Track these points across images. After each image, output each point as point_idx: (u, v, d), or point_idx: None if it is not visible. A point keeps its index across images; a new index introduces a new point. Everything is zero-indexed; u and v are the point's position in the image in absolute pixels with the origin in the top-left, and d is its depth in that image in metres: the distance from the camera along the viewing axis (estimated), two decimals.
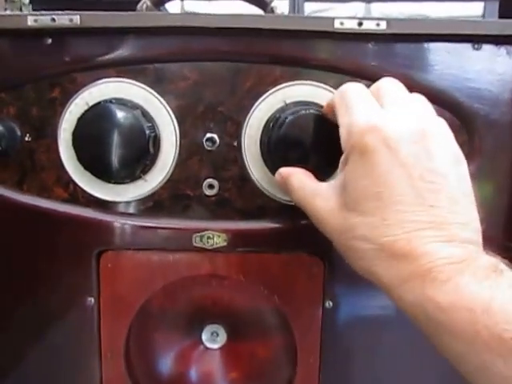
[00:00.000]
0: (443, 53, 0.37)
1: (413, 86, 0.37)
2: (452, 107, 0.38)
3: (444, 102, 0.37)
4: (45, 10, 0.36)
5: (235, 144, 0.38)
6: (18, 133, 0.38)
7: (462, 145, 0.37)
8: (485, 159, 0.38)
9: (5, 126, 0.37)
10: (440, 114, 0.37)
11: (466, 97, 0.37)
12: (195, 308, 0.42)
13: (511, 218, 0.39)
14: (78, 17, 0.35)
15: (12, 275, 0.39)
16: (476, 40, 0.36)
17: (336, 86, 0.37)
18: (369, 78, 0.37)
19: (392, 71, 0.37)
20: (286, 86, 0.37)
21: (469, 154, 0.38)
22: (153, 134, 0.37)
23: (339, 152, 0.32)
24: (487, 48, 0.37)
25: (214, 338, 0.44)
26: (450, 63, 0.37)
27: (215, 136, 0.38)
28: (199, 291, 0.41)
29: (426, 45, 0.37)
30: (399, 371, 0.40)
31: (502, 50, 0.37)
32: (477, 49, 0.37)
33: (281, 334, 0.42)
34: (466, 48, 0.37)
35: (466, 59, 0.37)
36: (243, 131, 0.38)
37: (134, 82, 0.37)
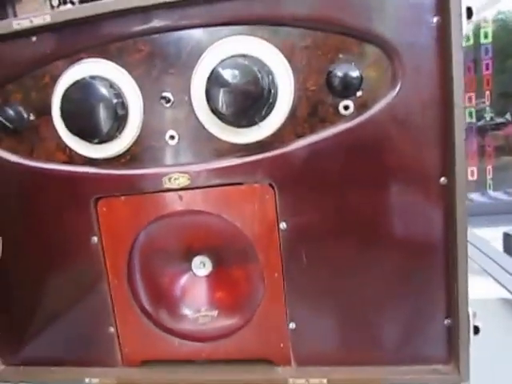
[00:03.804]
0: None
1: (330, 25, 0.42)
2: (370, 38, 0.42)
3: (362, 35, 0.42)
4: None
5: (186, 99, 0.46)
6: (24, 114, 0.48)
7: (385, 70, 0.43)
8: (409, 80, 0.42)
9: (14, 110, 0.48)
10: (360, 48, 0.42)
11: (383, 25, 0.41)
12: (181, 241, 0.51)
13: (442, 142, 0.43)
14: (49, 15, 0.44)
15: (30, 224, 0.50)
16: None
17: (263, 36, 0.43)
18: (290, 24, 0.43)
19: (308, 15, 0.42)
20: (221, 44, 0.44)
21: (393, 79, 0.43)
22: (120, 100, 0.45)
23: (263, 95, 0.39)
24: None
25: (201, 267, 0.52)
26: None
27: (169, 94, 0.46)
28: (180, 227, 0.50)
29: None
30: (347, 275, 0.46)
31: None
32: None
33: (252, 259, 0.49)
34: None
35: None
36: (191, 87, 0.45)
37: (101, 59, 0.46)
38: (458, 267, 0.43)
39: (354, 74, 0.43)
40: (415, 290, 0.46)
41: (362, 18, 0.42)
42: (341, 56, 0.43)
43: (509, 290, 0.79)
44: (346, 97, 0.44)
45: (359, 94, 0.44)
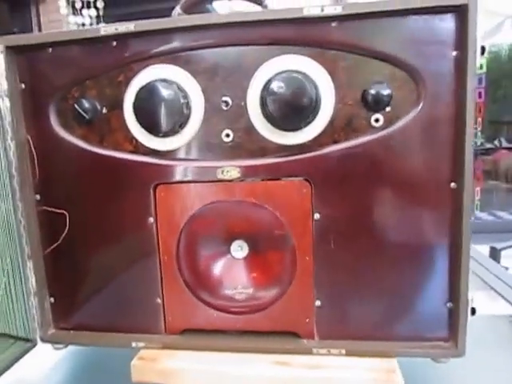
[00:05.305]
0: (390, 24, 0.50)
1: (368, 52, 0.51)
2: (400, 65, 0.51)
3: (394, 62, 0.51)
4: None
5: (243, 104, 0.54)
6: (99, 107, 0.56)
7: (411, 92, 0.51)
8: (430, 101, 0.51)
9: (90, 103, 0.56)
10: (392, 72, 0.50)
11: (411, 55, 0.50)
12: (224, 227, 0.59)
13: (454, 153, 0.52)
14: (133, 25, 0.52)
15: (96, 203, 0.58)
16: (408, 13, 0.49)
17: (312, 56, 0.52)
18: (336, 48, 0.52)
19: (352, 42, 0.51)
20: (276, 60, 0.52)
21: (417, 99, 0.52)
22: (185, 101, 0.54)
23: (309, 105, 0.47)
24: (424, 17, 0.50)
25: (239, 250, 0.60)
26: (394, 32, 0.50)
27: (228, 99, 0.54)
28: (225, 214, 0.58)
29: (375, 20, 0.50)
30: (367, 261, 0.54)
31: (436, 18, 0.49)
32: (415, 17, 0.50)
33: (286, 243, 0.57)
34: (405, 19, 0.50)
35: (406, 27, 0.50)
36: (247, 94, 0.53)
37: (171, 65, 0.54)
38: (462, 259, 0.52)
39: (385, 92, 0.52)
40: (423, 278, 0.54)
41: (394, 49, 0.51)
42: (375, 77, 0.52)
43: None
44: (377, 111, 0.52)
45: (388, 109, 0.52)
